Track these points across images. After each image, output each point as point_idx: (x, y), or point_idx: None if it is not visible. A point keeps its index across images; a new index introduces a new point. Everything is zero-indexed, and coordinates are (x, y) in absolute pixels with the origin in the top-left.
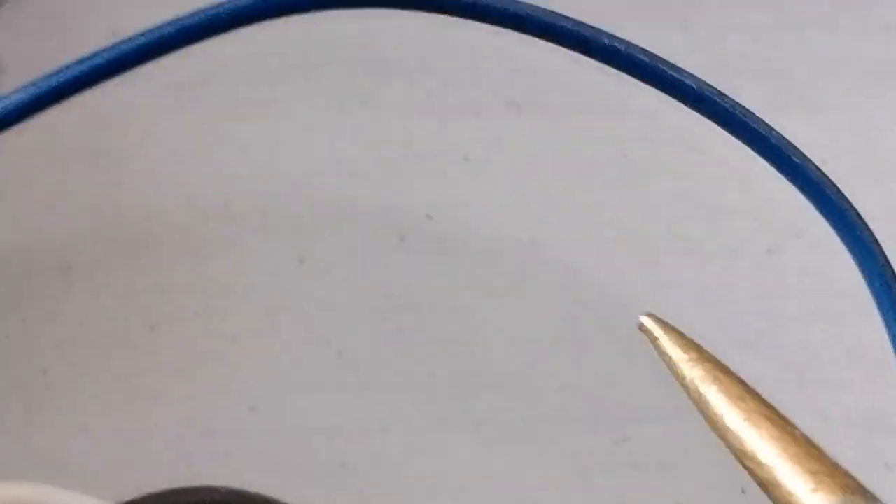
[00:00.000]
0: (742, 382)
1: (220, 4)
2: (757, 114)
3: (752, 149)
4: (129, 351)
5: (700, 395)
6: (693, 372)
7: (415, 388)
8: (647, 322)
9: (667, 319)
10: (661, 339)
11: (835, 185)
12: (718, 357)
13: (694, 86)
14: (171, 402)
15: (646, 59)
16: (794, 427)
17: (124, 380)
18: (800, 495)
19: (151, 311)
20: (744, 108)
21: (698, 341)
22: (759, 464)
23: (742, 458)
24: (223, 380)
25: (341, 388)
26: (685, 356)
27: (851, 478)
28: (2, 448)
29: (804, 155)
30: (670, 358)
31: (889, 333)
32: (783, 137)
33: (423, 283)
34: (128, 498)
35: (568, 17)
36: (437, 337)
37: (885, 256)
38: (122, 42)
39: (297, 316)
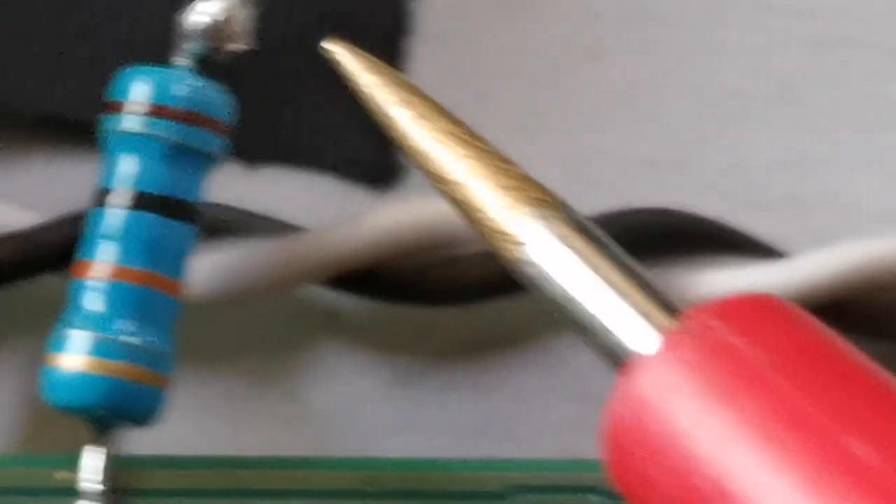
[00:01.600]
0: (433, 103)
1: None
2: None
3: None
4: (569, 78)
5: (388, 117)
6: (381, 94)
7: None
8: (332, 46)
9: None
10: (344, 61)
11: None
12: None
13: None
14: (612, 131)
15: None
16: (484, 144)
17: (564, 107)
18: (491, 212)
19: (592, 40)
20: None
21: None
22: (449, 183)
23: (434, 180)
24: (665, 109)
25: (788, 123)
26: (373, 78)
27: (544, 190)
28: None
29: None
30: (356, 81)
31: None
32: None
33: None
34: None
35: None
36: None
37: None
38: None
39: (739, 47)
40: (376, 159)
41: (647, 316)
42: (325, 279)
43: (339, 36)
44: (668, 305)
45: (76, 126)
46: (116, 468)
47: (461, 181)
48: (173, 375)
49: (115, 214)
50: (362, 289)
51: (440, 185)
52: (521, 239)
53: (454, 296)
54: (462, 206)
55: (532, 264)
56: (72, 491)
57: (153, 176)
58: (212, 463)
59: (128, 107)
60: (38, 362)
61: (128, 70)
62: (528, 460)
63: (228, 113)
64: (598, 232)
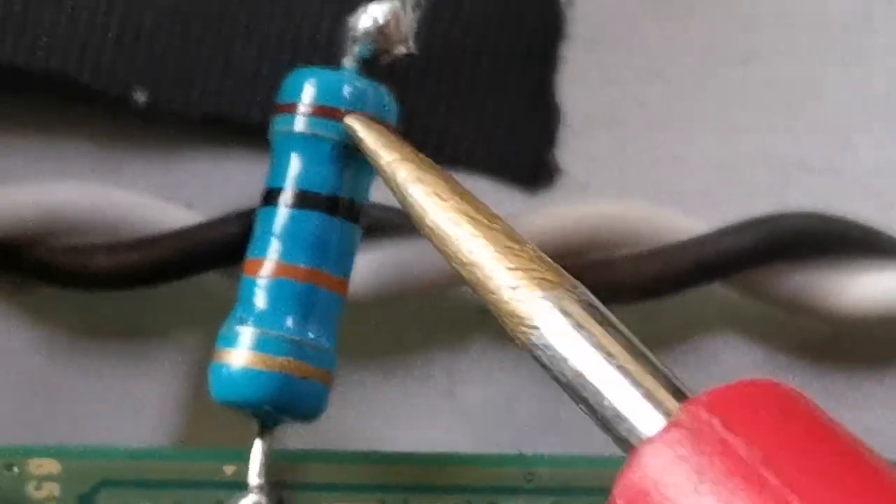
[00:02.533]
0: (447, 180)
1: None
2: None
3: None
4: (722, 82)
5: (404, 195)
6: (398, 171)
7: None
8: (351, 121)
9: None
10: (364, 138)
11: None
12: None
13: None
14: (764, 134)
15: None
16: (496, 222)
17: (717, 111)
18: (502, 292)
19: (744, 43)
20: None
21: None
22: (462, 263)
23: (448, 259)
24: (816, 112)
25: None
26: (389, 156)
27: (554, 270)
28: (598, 172)
29: None
30: (375, 158)
31: None
32: None
33: None
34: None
35: None
36: None
37: None
38: None
39: (888, 50)
40: (530, 161)
41: (654, 401)
42: None
43: (496, 41)
44: (675, 391)
45: (240, 126)
46: (278, 462)
47: (475, 262)
48: (336, 372)
49: (283, 214)
50: None
51: (457, 265)
52: (534, 323)
53: (607, 298)
54: (477, 287)
55: (546, 347)
56: (237, 484)
57: (320, 176)
58: (370, 459)
59: (296, 108)
60: (199, 358)
61: (296, 72)
62: None
63: (393, 115)
64: (609, 313)
